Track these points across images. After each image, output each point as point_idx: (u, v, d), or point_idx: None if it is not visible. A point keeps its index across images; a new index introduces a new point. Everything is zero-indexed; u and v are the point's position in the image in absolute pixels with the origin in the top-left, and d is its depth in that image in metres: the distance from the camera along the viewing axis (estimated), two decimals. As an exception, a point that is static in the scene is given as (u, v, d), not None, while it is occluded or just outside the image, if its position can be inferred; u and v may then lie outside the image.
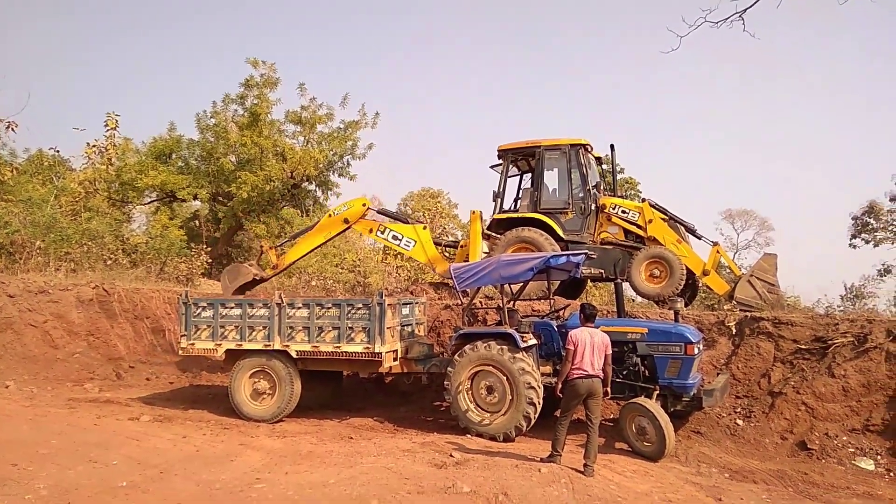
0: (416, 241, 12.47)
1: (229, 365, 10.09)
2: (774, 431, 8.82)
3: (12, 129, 18.95)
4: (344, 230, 12.99)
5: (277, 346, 9.59)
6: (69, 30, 74.34)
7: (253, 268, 12.86)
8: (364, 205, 12.77)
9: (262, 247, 13.25)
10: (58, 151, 24.44)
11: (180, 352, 10.29)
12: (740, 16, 13.89)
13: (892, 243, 24.63)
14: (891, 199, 24.80)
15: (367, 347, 9.24)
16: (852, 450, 8.32)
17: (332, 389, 11.03)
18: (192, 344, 10.02)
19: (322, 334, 9.47)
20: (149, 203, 23.69)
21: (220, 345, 9.86)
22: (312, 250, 13.20)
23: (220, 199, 22.61)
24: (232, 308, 9.90)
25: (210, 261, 19.06)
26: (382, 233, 12.70)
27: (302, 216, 21.52)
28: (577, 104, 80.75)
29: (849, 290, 17.61)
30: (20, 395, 10.46)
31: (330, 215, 12.76)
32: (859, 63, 72.11)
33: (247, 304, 9.86)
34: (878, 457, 8.17)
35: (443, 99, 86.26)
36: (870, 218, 25.19)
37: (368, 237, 13.81)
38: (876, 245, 24.98)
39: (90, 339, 13.56)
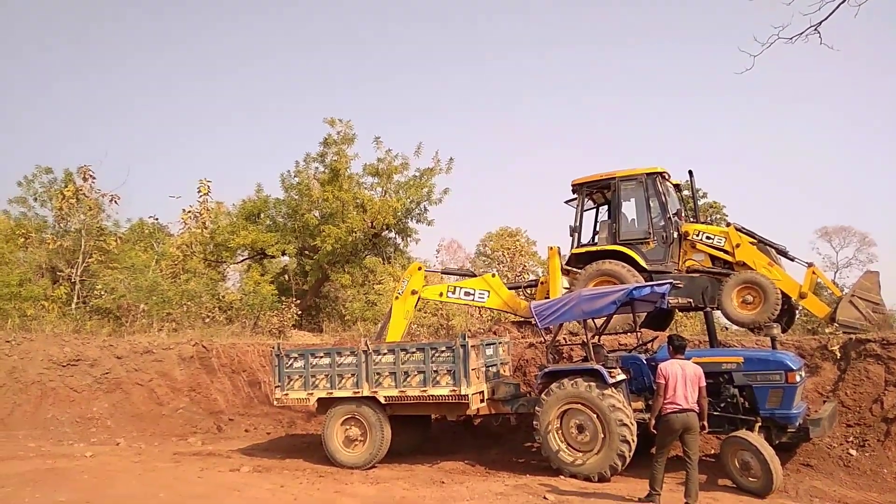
0: (489, 291, 12.50)
1: (322, 413, 10.34)
2: (893, 461, 8.16)
3: (115, 202, 20.73)
4: (416, 303, 12.94)
5: (366, 393, 9.77)
6: (165, 107, 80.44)
7: None
8: (420, 268, 12.91)
9: None
10: (157, 219, 26.20)
11: (275, 403, 10.66)
12: (815, 29, 13.52)
13: None
14: None
15: (454, 390, 9.26)
16: None
17: (422, 433, 11.08)
18: (286, 394, 10.37)
19: (408, 379, 9.59)
20: (241, 261, 24.92)
21: (311, 394, 10.14)
22: (403, 333, 13.21)
23: (307, 252, 23.54)
24: (321, 357, 10.19)
25: (300, 312, 19.77)
26: (454, 293, 12.78)
27: (384, 263, 22.06)
28: (657, 133, 79.46)
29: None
30: (130, 452, 11.06)
31: (396, 297, 12.70)
32: (958, 62, 67.55)
33: (335, 352, 10.13)
34: None
35: (517, 138, 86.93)
36: None
37: (440, 300, 13.63)
38: None
39: (192, 395, 14.25)
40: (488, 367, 10.06)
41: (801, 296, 10.95)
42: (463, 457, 10.22)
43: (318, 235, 21.42)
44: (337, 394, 9.98)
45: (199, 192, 25.51)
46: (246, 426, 13.50)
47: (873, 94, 69.80)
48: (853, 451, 8.51)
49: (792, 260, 11.49)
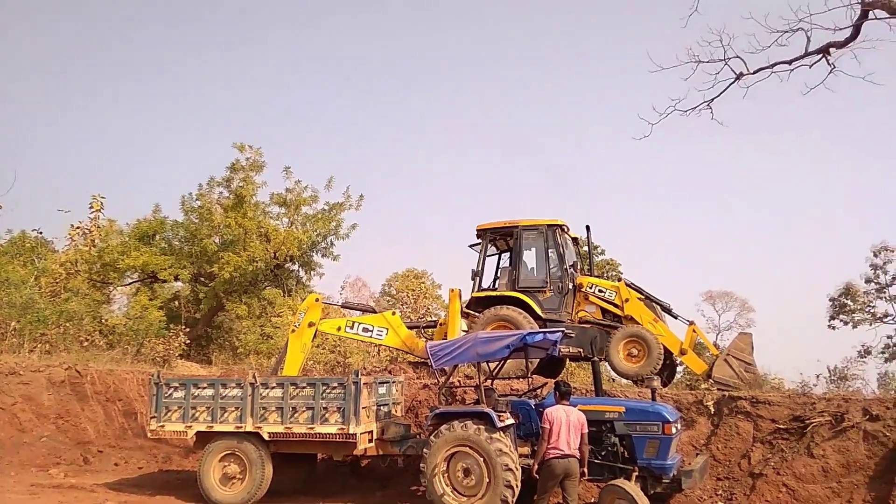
0: (388, 329, 12.34)
1: (201, 448, 9.80)
2: (757, 514, 8.63)
3: (-6, 210, 19.25)
4: (313, 337, 12.52)
5: (249, 428, 9.36)
6: (57, 111, 76.00)
7: None
8: (317, 299, 12.55)
9: None
10: (41, 233, 24.49)
11: (150, 434, 10.02)
12: (708, 105, 14.61)
13: (870, 325, 24.90)
14: (866, 282, 25.28)
15: (342, 428, 9.05)
16: (836, 533, 8.14)
17: (306, 473, 10.70)
18: (162, 426, 9.78)
19: (296, 415, 9.28)
20: (129, 284, 23.58)
21: (190, 426, 9.62)
22: (300, 368, 12.83)
23: (202, 279, 22.61)
24: (204, 388, 9.72)
25: (188, 342, 18.83)
26: (352, 328, 12.47)
27: (285, 295, 21.49)
28: (559, 190, 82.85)
29: (832, 371, 17.66)
30: (-20, 481, 10.05)
31: (293, 330, 12.27)
32: (830, 150, 74.96)
33: (219, 383, 9.70)
34: (863, 540, 8.00)
35: (428, 179, 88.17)
36: (847, 299, 25.56)
37: (339, 336, 13.27)
38: (854, 326, 25.23)
39: (59, 423, 13.14)
40: (380, 406, 9.91)
41: (682, 352, 11.57)
42: (347, 498, 9.97)
43: (216, 262, 20.63)
44: (218, 427, 9.50)
45: (91, 207, 24.12)
46: (116, 459, 12.56)
47: (758, 169, 75.98)
48: None
49: (675, 318, 12.15)
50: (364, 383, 9.16)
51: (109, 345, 17.39)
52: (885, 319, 24.70)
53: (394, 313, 12.82)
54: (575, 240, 13.33)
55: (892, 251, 24.52)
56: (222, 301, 21.71)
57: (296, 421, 9.27)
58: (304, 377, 10.61)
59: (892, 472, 8.36)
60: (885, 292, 24.75)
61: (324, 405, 9.19)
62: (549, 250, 12.26)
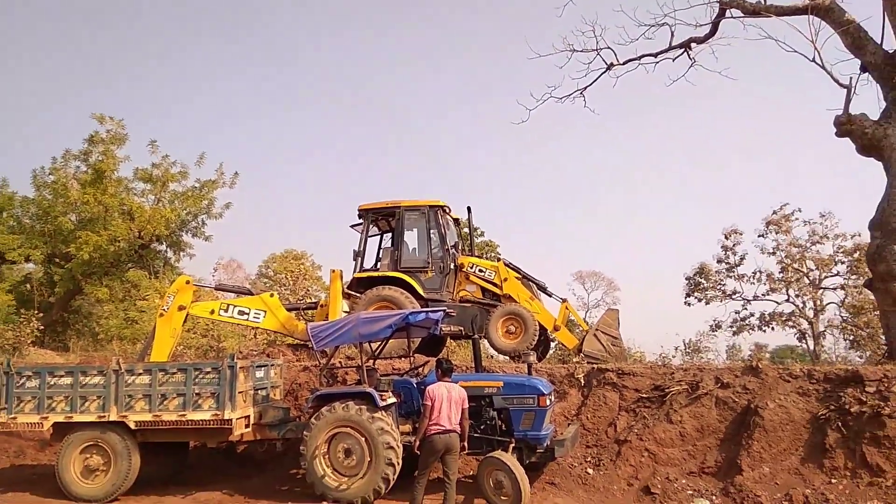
0: (265, 311, 11.94)
1: (59, 441, 9.05)
2: (622, 478, 9.23)
3: None
4: (184, 321, 11.94)
5: (113, 417, 8.79)
6: None
7: None
8: (188, 282, 11.96)
9: None
10: None
11: (-1, 428, 9.14)
12: (581, 93, 15.24)
13: (721, 301, 27.23)
14: (718, 262, 27.57)
15: (216, 414, 8.70)
16: (690, 492, 8.84)
17: (178, 461, 10.19)
18: (14, 418, 8.97)
19: (165, 402, 8.82)
20: (-29, 265, 21.29)
21: (46, 418, 8.88)
22: (170, 353, 12.08)
23: (57, 260, 20.81)
24: (62, 377, 8.99)
25: (42, 328, 17.29)
26: (227, 311, 11.94)
27: (151, 277, 20.22)
28: (440, 171, 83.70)
29: (687, 344, 19.17)
30: None
31: (161, 314, 11.63)
32: (695, 139, 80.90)
33: (79, 371, 9.01)
34: (714, 497, 8.73)
35: (308, 160, 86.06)
36: (701, 278, 27.75)
37: (211, 319, 12.65)
38: (707, 303, 27.47)
39: None
40: (257, 390, 9.63)
41: (555, 328, 12.11)
42: (222, 486, 9.58)
43: (72, 242, 19.04)
44: (78, 418, 8.85)
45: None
46: (-42, 457, 11.37)
47: (630, 156, 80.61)
48: (590, 470, 9.48)
49: (550, 296, 12.68)
50: (240, 367, 8.84)
51: (-53, 333, 15.64)
52: (733, 296, 27.07)
53: (272, 295, 12.43)
54: (456, 221, 13.51)
55: (741, 234, 26.88)
56: (80, 284, 20.11)
57: (165, 408, 8.81)
58: (174, 362, 10.06)
59: (740, 435, 9.21)
60: (733, 272, 27.12)
61: (196, 391, 8.80)
62: (431, 231, 12.37)
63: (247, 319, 12.08)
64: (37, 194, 20.34)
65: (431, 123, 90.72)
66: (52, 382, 8.95)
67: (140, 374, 8.91)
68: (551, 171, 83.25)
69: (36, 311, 16.99)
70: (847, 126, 10.80)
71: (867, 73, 11.26)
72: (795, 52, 11.17)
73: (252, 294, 12.62)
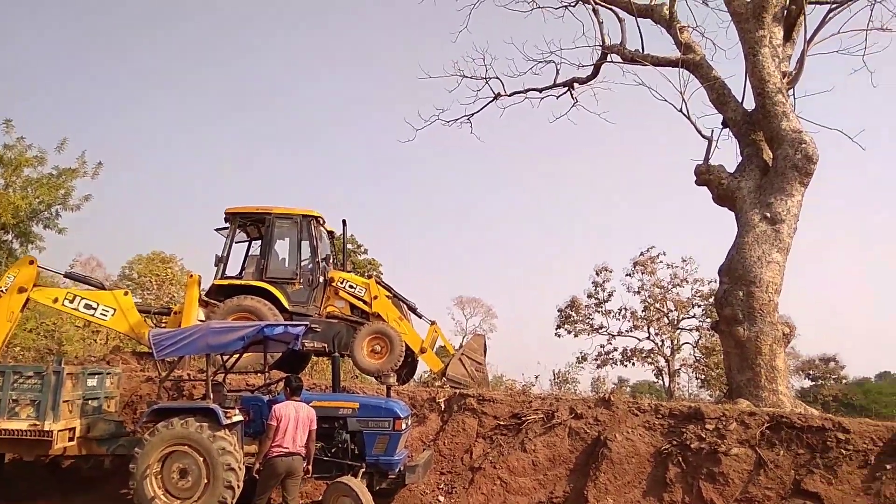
0: (115, 310, 10.97)
1: None
2: (472, 507, 9.13)
3: None
4: (24, 304, 10.74)
5: None
6: None
7: None
8: (32, 262, 10.81)
9: None
10: None
11: None
12: (469, 119, 15.41)
13: (588, 334, 28.39)
14: (588, 297, 28.75)
15: (35, 424, 7.83)
16: (537, 522, 8.90)
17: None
18: None
19: (-25, 408, 7.80)
20: None
21: None
22: (5, 339, 10.77)
23: None
24: None
25: None
26: (72, 302, 10.86)
27: (-11, 268, 18.17)
28: (326, 185, 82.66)
29: (556, 374, 19.69)
30: None
31: None
32: (575, 178, 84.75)
33: None
34: (560, 528, 8.84)
35: (185, 159, 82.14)
36: (571, 311, 28.83)
37: (55, 308, 11.42)
38: (576, 335, 28.56)
39: None
40: (88, 400, 8.74)
41: (422, 350, 11.95)
42: (40, 504, 8.60)
43: None
44: None
45: None
46: None
47: (517, 184, 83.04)
48: (441, 498, 9.32)
49: (420, 317, 12.54)
50: (68, 373, 8.01)
51: None
52: (599, 331, 28.33)
53: (126, 293, 11.41)
54: (331, 233, 13.13)
55: (611, 271, 28.25)
56: None
57: (-25, 415, 7.79)
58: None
59: (589, 466, 9.39)
60: (601, 307, 28.40)
61: (14, 397, 7.94)
62: (303, 241, 11.94)
63: (93, 315, 10.98)
64: None
65: (330, 136, 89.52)
66: None
67: (-54, 375, 7.85)
68: (439, 194, 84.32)
69: None
70: (706, 175, 11.53)
71: (728, 129, 12.13)
72: (666, 101, 11.86)
73: (104, 289, 11.53)
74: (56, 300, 10.93)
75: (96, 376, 9.06)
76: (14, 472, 9.71)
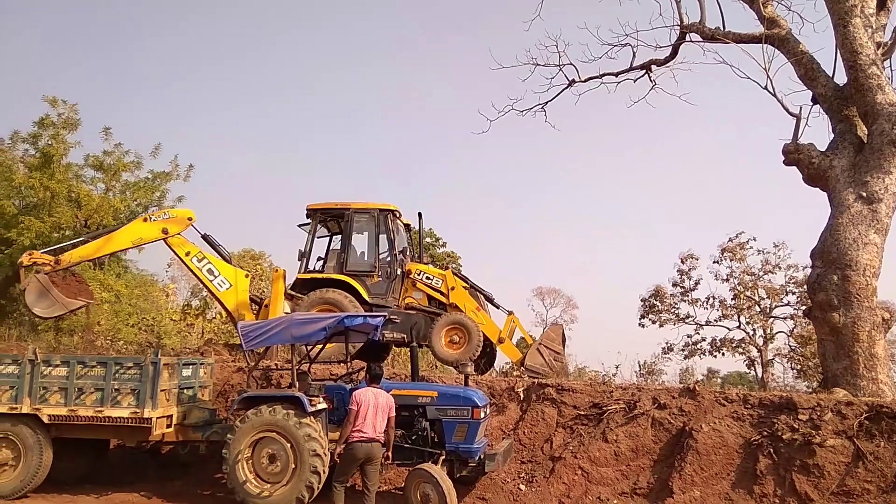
0: (231, 285, 11.55)
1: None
2: (553, 496, 9.06)
3: None
4: (155, 241, 11.55)
5: (26, 410, 8.36)
6: None
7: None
8: (190, 218, 11.54)
9: (20, 264, 11.21)
10: None
11: None
12: (543, 107, 15.19)
13: (674, 324, 27.49)
14: (673, 285, 27.84)
15: (136, 412, 8.34)
16: (621, 512, 8.75)
17: (93, 460, 9.73)
18: (-83, 405, 8.45)
19: (83, 396, 8.43)
20: None
21: (-49, 407, 8.39)
22: (113, 253, 11.52)
23: (-3, 245, 19.98)
24: (-28, 365, 8.52)
25: (-25, 315, 16.59)
26: (200, 261, 11.52)
27: (94, 268, 19.54)
28: (406, 184, 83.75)
29: (641, 366, 19.19)
30: None
31: (146, 219, 11.31)
32: (654, 164, 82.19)
33: (-9, 360, 8.56)
34: (644, 519, 8.66)
35: (273, 159, 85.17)
36: (656, 300, 27.99)
37: (183, 261, 11.94)
38: (661, 325, 27.69)
39: None
40: (183, 389, 9.25)
41: (500, 340, 11.96)
42: (140, 488, 9.22)
43: (14, 227, 18.32)
44: (-13, 409, 8.37)
45: None
46: None
47: (594, 172, 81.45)
48: (522, 486, 9.30)
49: (497, 307, 12.53)
50: (164, 364, 8.50)
51: None
52: (686, 320, 27.36)
53: (247, 275, 12.00)
54: (407, 226, 13.32)
55: (697, 259, 27.22)
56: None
57: (82, 403, 8.43)
58: (94, 356, 9.62)
59: (674, 456, 9.14)
60: (688, 296, 27.42)
61: (116, 387, 8.45)
62: (380, 235, 12.15)
63: (211, 282, 11.62)
64: (-21, 176, 19.55)
65: (401, 135, 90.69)
66: (-39, 370, 8.47)
67: (57, 366, 8.50)
68: (519, 188, 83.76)
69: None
70: (794, 155, 10.93)
71: (818, 105, 11.44)
72: (749, 79, 11.30)
73: (230, 263, 12.08)
74: (188, 254, 11.60)
75: (191, 367, 9.57)
76: (118, 458, 10.45)
